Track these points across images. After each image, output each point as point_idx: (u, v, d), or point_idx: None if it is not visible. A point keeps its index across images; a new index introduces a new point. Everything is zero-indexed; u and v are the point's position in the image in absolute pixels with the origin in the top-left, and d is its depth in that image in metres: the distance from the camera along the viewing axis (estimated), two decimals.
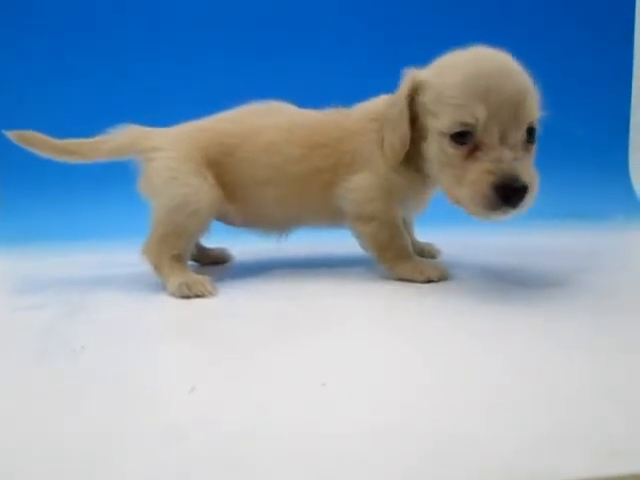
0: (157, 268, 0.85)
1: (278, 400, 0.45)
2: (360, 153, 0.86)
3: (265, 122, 0.90)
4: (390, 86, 0.83)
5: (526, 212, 0.72)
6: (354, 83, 0.99)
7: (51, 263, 1.12)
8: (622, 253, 1.16)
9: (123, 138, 0.90)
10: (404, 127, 0.78)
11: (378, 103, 0.87)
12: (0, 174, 1.56)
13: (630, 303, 0.72)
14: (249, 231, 0.98)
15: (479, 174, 0.69)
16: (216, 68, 1.66)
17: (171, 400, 0.46)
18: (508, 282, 0.84)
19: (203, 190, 0.85)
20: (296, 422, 0.41)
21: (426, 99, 0.76)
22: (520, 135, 0.70)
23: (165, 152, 0.88)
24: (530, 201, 0.70)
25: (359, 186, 0.86)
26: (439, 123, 0.73)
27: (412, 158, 0.80)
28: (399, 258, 0.87)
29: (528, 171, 0.70)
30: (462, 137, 0.71)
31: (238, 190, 0.90)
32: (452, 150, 0.72)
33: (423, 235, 1.08)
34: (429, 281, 0.84)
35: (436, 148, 0.75)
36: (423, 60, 0.79)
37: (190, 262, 1.00)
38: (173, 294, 0.81)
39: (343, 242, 0.97)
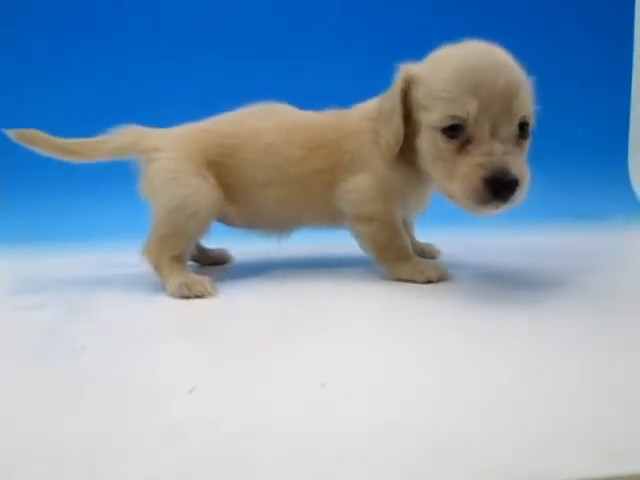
0: (157, 268, 0.85)
1: (278, 400, 0.45)
2: (358, 154, 0.86)
3: (265, 123, 0.90)
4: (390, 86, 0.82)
5: (517, 206, 0.71)
6: (354, 83, 0.99)
7: (51, 263, 1.12)
8: (622, 253, 1.16)
9: (124, 138, 0.90)
10: (397, 122, 0.78)
11: (376, 103, 0.87)
12: (0, 174, 1.56)
13: (630, 303, 0.72)
14: (249, 232, 0.98)
15: (470, 168, 0.69)
16: (216, 68, 1.66)
17: (171, 400, 0.46)
18: (508, 282, 0.84)
19: (203, 191, 0.85)
20: (296, 422, 0.41)
21: (419, 94, 0.76)
22: (512, 129, 0.70)
23: (165, 153, 0.88)
24: (521, 195, 0.70)
25: (358, 187, 0.86)
26: (431, 117, 0.73)
27: (408, 154, 0.80)
28: (399, 259, 0.87)
29: (519, 165, 0.69)
30: (453, 131, 0.71)
31: (238, 191, 0.90)
32: (443, 144, 0.72)
33: (423, 235, 1.08)
34: (429, 282, 0.84)
35: (428, 142, 0.75)
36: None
37: (190, 262, 1.01)
38: (173, 294, 0.81)
39: (343, 242, 0.97)
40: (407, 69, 0.78)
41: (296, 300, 0.77)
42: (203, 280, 0.82)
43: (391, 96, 0.79)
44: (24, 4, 1.60)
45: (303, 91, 1.12)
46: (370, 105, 0.88)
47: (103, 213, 1.48)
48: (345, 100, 0.92)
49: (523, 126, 0.72)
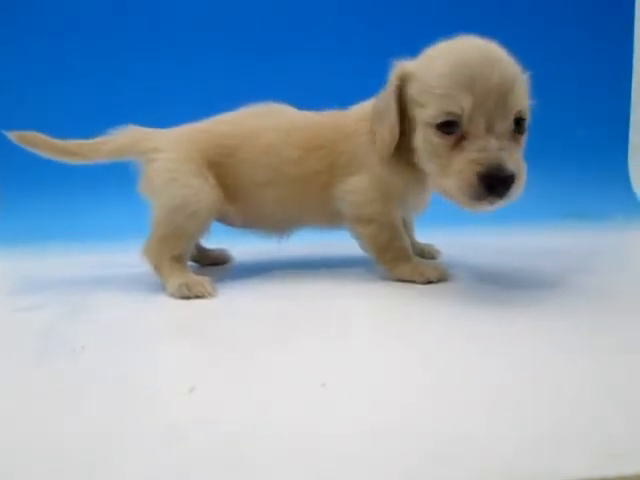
0: (157, 269, 0.85)
1: (278, 400, 0.45)
2: (355, 155, 0.86)
3: (264, 124, 0.91)
4: None
5: (513, 202, 0.71)
6: (354, 83, 0.99)
7: (51, 263, 1.12)
8: (622, 253, 1.16)
9: (124, 139, 0.90)
10: (392, 119, 0.78)
11: (373, 103, 0.87)
12: (0, 174, 1.56)
13: (630, 303, 0.72)
14: (249, 232, 0.98)
15: (465, 164, 0.69)
16: (216, 68, 1.66)
17: (171, 400, 0.46)
18: (508, 283, 0.84)
19: (203, 191, 0.85)
20: (296, 422, 0.41)
21: (413, 90, 0.76)
22: (507, 125, 0.70)
23: (165, 153, 0.88)
24: (517, 191, 0.69)
25: (357, 188, 0.86)
26: (425, 113, 0.73)
27: (405, 153, 0.80)
28: (398, 259, 0.87)
29: (515, 161, 0.69)
30: (448, 127, 0.71)
31: (238, 191, 0.90)
32: (438, 140, 0.72)
33: (423, 236, 1.08)
34: (429, 282, 0.84)
35: (423, 139, 0.75)
36: None
37: (190, 263, 1.01)
38: (173, 295, 0.81)
39: (343, 243, 0.97)
40: (402, 66, 0.78)
41: (296, 300, 0.77)
42: (203, 280, 0.82)
43: (386, 94, 0.79)
44: (24, 4, 1.60)
45: (303, 91, 1.12)
46: (368, 105, 0.87)
47: (103, 213, 1.48)
48: (345, 100, 0.92)
49: (519, 121, 0.71)
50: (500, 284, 0.83)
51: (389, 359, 0.55)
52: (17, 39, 1.60)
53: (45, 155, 0.89)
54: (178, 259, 0.85)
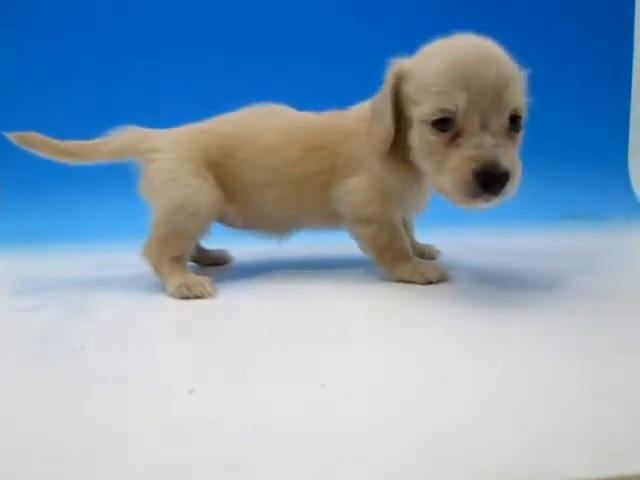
0: (157, 269, 0.85)
1: (278, 400, 0.45)
2: (355, 155, 0.86)
3: (264, 124, 0.90)
4: None
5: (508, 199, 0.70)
6: (354, 83, 0.99)
7: (51, 264, 1.12)
8: (621, 254, 1.16)
9: (123, 139, 0.90)
10: (388, 116, 0.78)
11: (371, 103, 0.87)
12: (0, 175, 1.56)
13: (629, 304, 0.72)
14: (249, 233, 0.98)
15: (460, 161, 0.68)
16: (216, 69, 1.66)
17: (171, 400, 0.46)
18: (507, 283, 0.84)
19: (203, 191, 0.85)
20: (296, 422, 0.41)
21: (409, 88, 0.76)
22: (502, 122, 0.70)
23: (165, 153, 0.88)
24: (512, 189, 0.69)
25: (356, 189, 0.86)
26: (420, 111, 0.73)
27: (403, 153, 0.80)
28: (398, 260, 0.87)
29: (510, 158, 0.69)
30: (443, 124, 0.71)
31: (238, 192, 0.90)
32: (433, 137, 0.72)
33: (423, 236, 1.08)
34: (429, 282, 0.84)
35: (419, 136, 0.75)
36: None
37: (190, 263, 1.01)
38: (173, 295, 0.81)
39: (342, 244, 0.97)
40: (398, 64, 0.78)
41: (296, 301, 0.78)
42: (203, 281, 0.82)
43: (383, 92, 0.79)
44: (24, 4, 1.60)
45: (303, 91, 1.12)
46: (367, 106, 0.87)
47: (103, 214, 1.48)
48: (345, 100, 0.92)
49: (515, 119, 0.71)
50: (500, 285, 0.83)
51: (389, 359, 0.55)
52: (17, 39, 1.60)
53: (45, 156, 0.89)
54: (178, 259, 0.85)
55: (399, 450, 0.37)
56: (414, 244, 1.03)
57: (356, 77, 1.11)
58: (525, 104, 0.73)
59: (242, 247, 1.08)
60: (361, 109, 0.89)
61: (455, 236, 1.27)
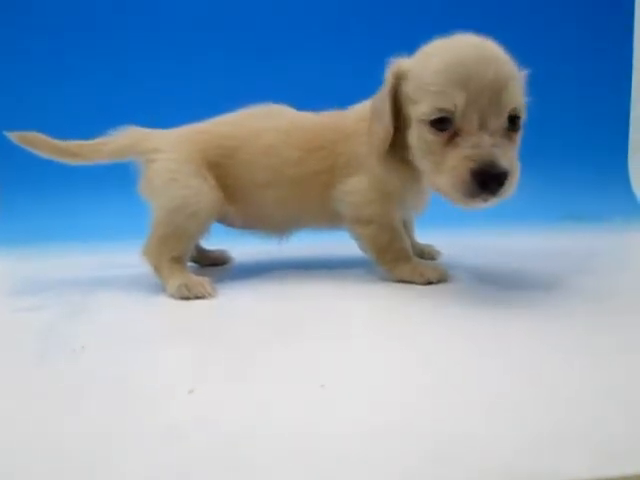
0: (157, 269, 0.85)
1: (278, 400, 0.45)
2: (355, 155, 0.86)
3: (264, 125, 0.91)
4: None
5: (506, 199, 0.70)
6: (354, 83, 0.99)
7: (51, 264, 1.12)
8: (621, 255, 1.16)
9: (124, 140, 0.90)
10: (387, 115, 0.78)
11: (371, 103, 0.87)
12: (1, 175, 1.56)
13: (629, 304, 0.72)
14: (249, 233, 0.98)
15: (458, 160, 0.68)
16: (216, 69, 1.66)
17: (171, 400, 0.46)
18: (507, 283, 0.84)
19: (203, 192, 0.85)
20: (296, 422, 0.41)
21: (408, 87, 0.76)
22: (501, 122, 0.69)
23: (165, 154, 0.88)
24: (510, 188, 0.69)
25: (356, 189, 0.86)
26: (419, 110, 0.73)
27: (402, 152, 0.80)
28: (398, 260, 0.87)
29: (508, 158, 0.68)
30: (441, 123, 0.71)
31: (238, 192, 0.90)
32: (432, 137, 0.72)
33: (423, 237, 1.08)
34: (429, 283, 0.84)
35: (417, 136, 0.75)
36: None
37: (190, 263, 1.01)
38: (173, 295, 0.81)
39: (342, 244, 0.97)
40: (397, 64, 0.78)
41: (296, 301, 0.78)
42: (203, 281, 0.82)
43: (383, 92, 0.79)
44: (24, 4, 1.60)
45: (303, 91, 1.12)
46: (367, 106, 0.87)
47: (103, 214, 1.48)
48: (345, 100, 0.92)
49: (514, 119, 0.71)
50: (500, 285, 0.83)
51: (389, 360, 0.54)
52: (17, 39, 1.61)
53: (45, 156, 0.89)
54: (178, 260, 0.85)
55: (399, 450, 0.37)
56: (414, 244, 1.04)
57: (356, 77, 1.11)
58: (524, 104, 0.73)
59: (242, 247, 1.08)
60: (361, 109, 0.89)
61: (455, 236, 1.27)
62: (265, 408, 0.44)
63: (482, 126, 0.68)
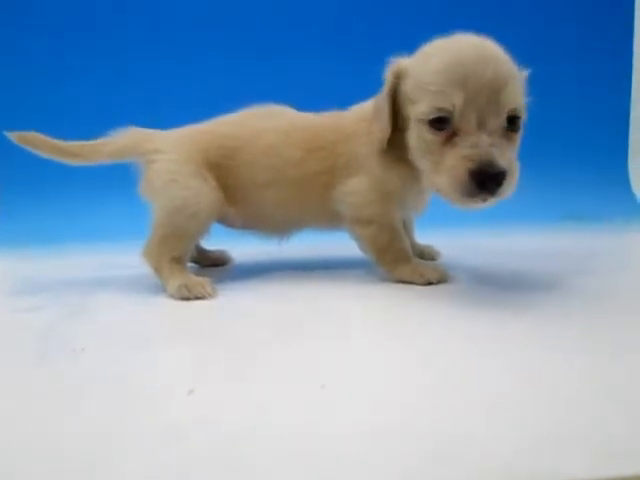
0: (157, 270, 0.85)
1: (278, 400, 0.45)
2: (355, 156, 0.86)
3: (265, 125, 0.90)
4: None
5: (504, 199, 0.70)
6: (354, 83, 0.99)
7: (51, 265, 1.12)
8: (621, 255, 1.16)
9: (124, 140, 0.90)
10: (385, 115, 0.78)
11: (372, 103, 0.87)
12: (1, 175, 1.56)
13: (629, 305, 0.72)
14: (249, 233, 0.98)
15: (456, 160, 0.68)
16: (216, 69, 1.66)
17: (171, 400, 0.46)
18: (507, 284, 0.84)
19: (203, 192, 0.85)
20: (296, 422, 0.41)
21: (407, 87, 0.76)
22: (499, 122, 0.69)
23: (166, 154, 0.88)
24: (509, 188, 0.69)
25: (356, 189, 0.86)
26: (418, 110, 0.73)
27: (400, 150, 0.80)
28: (398, 261, 0.87)
29: (507, 158, 0.68)
30: (440, 123, 0.71)
31: (238, 192, 0.90)
32: (430, 136, 0.72)
33: (423, 237, 1.08)
34: (429, 283, 0.84)
35: (416, 136, 0.75)
36: None
37: (190, 264, 1.01)
38: (173, 296, 0.81)
39: (342, 244, 0.97)
40: (397, 64, 0.78)
41: (296, 301, 0.77)
42: (203, 281, 0.82)
43: (383, 91, 0.79)
44: (24, 4, 1.60)
45: (303, 92, 1.12)
46: (367, 106, 0.87)
47: (103, 215, 1.48)
48: (346, 101, 0.92)
49: (513, 119, 0.71)
50: (500, 285, 0.83)
51: (389, 360, 0.54)
52: (17, 39, 1.61)
53: (46, 156, 0.89)
54: (178, 260, 0.85)
55: (399, 450, 0.37)
56: (414, 245, 1.03)
57: (356, 77, 1.11)
58: (524, 105, 0.73)
59: (242, 248, 1.08)
60: (361, 109, 0.89)
61: (455, 237, 1.27)
62: (265, 408, 0.44)
63: (481, 126, 0.68)
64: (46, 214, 1.53)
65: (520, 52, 0.72)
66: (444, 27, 0.75)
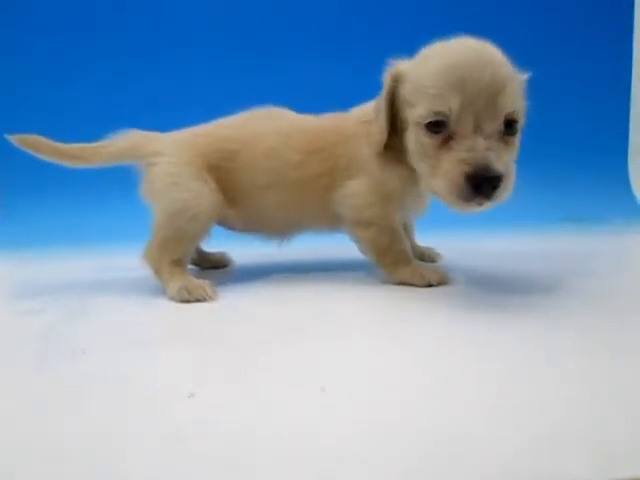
0: (157, 272, 0.85)
1: (278, 401, 0.45)
2: (355, 157, 0.86)
3: (265, 127, 0.91)
4: None
5: (502, 203, 0.70)
6: (355, 86, 0.99)
7: (51, 267, 1.12)
8: (621, 256, 1.16)
9: (125, 143, 0.90)
10: (382, 117, 0.78)
11: (372, 105, 0.87)
12: (1, 178, 1.56)
13: (628, 306, 0.72)
14: (249, 236, 0.98)
15: (452, 164, 0.68)
16: (217, 71, 1.66)
17: (172, 402, 0.46)
18: (507, 286, 0.84)
19: (203, 195, 0.85)
20: (296, 422, 0.41)
21: (405, 90, 0.76)
22: (496, 125, 0.69)
23: (166, 157, 0.88)
24: (505, 192, 0.69)
25: (356, 192, 0.86)
26: (415, 113, 0.73)
27: (400, 152, 0.80)
28: (398, 262, 0.87)
29: (503, 162, 0.68)
30: (436, 126, 0.70)
31: (238, 195, 0.91)
32: (427, 140, 0.72)
33: (423, 239, 1.08)
34: (429, 285, 0.84)
35: (414, 139, 0.75)
36: None
37: (190, 266, 1.00)
38: (173, 298, 0.81)
39: (343, 246, 0.97)
40: (395, 66, 0.78)
41: (296, 303, 0.78)
42: (203, 284, 0.82)
43: (381, 94, 0.79)
44: (24, 4, 1.60)
45: (304, 94, 1.13)
46: (367, 108, 0.87)
47: (103, 217, 1.48)
48: (346, 103, 0.92)
49: (511, 123, 0.71)
50: (500, 287, 0.83)
51: (389, 360, 0.54)
52: (18, 41, 1.61)
53: (46, 158, 0.89)
54: (178, 263, 0.85)
55: (399, 450, 0.37)
56: (414, 247, 1.03)
57: (357, 79, 1.11)
58: (522, 108, 0.73)
59: (242, 250, 1.08)
60: (361, 111, 0.89)
61: (455, 239, 1.27)
62: (265, 409, 0.44)
63: (477, 129, 0.68)
64: (46, 216, 1.53)
65: (520, 53, 0.72)
66: (444, 27, 0.75)
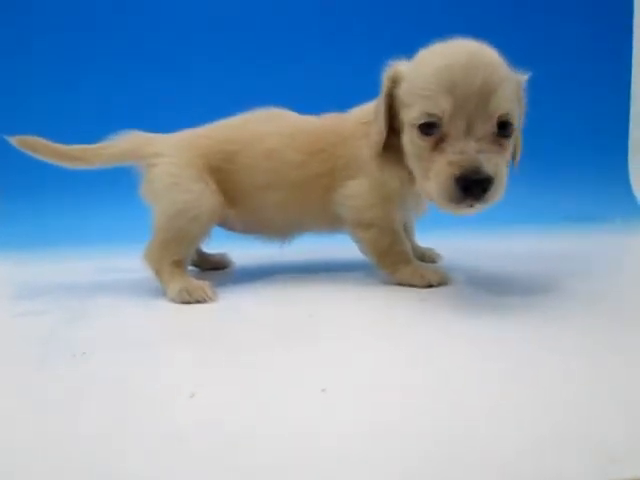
0: (158, 274, 0.85)
1: (279, 401, 0.45)
2: (354, 158, 0.86)
3: (266, 129, 0.91)
4: None
5: (492, 206, 0.70)
6: (355, 86, 0.99)
7: (51, 269, 1.12)
8: (621, 256, 1.16)
9: (125, 144, 0.90)
10: (380, 119, 0.78)
11: (372, 106, 0.87)
12: (0, 179, 1.56)
13: (629, 305, 0.72)
14: (250, 237, 0.98)
15: (442, 166, 0.68)
16: (217, 72, 1.66)
17: (172, 404, 0.46)
18: (508, 286, 0.84)
19: (204, 196, 0.85)
20: (296, 422, 0.41)
21: (402, 91, 0.76)
22: (488, 127, 0.69)
23: (167, 158, 0.88)
24: (495, 195, 0.68)
25: (356, 192, 0.86)
26: (409, 114, 0.73)
27: (398, 153, 0.80)
28: (399, 263, 0.87)
29: (494, 164, 0.68)
30: (428, 128, 0.71)
31: (239, 196, 0.91)
32: (420, 141, 0.72)
33: (424, 240, 1.08)
34: (429, 286, 0.84)
35: (409, 140, 0.75)
36: None
37: (190, 267, 1.00)
38: (173, 300, 0.81)
39: (343, 247, 0.97)
40: (393, 68, 0.78)
41: (297, 304, 0.77)
42: (204, 285, 0.82)
43: (380, 95, 0.80)
44: (24, 4, 1.60)
45: (304, 95, 1.13)
46: (367, 108, 0.87)
47: (104, 218, 1.48)
48: (346, 104, 0.92)
49: (504, 125, 0.70)
50: (500, 287, 0.83)
51: (389, 361, 0.54)
52: (18, 41, 1.61)
53: (46, 160, 0.89)
54: (179, 264, 0.85)
55: (399, 450, 0.37)
56: (415, 247, 1.03)
57: (357, 80, 1.11)
58: (517, 110, 0.72)
59: (243, 251, 1.08)
60: (361, 111, 0.89)
61: (455, 239, 1.27)
62: (265, 409, 0.44)
63: (469, 132, 0.68)
64: (46, 217, 1.54)
65: (520, 53, 0.72)
66: (444, 28, 0.75)
